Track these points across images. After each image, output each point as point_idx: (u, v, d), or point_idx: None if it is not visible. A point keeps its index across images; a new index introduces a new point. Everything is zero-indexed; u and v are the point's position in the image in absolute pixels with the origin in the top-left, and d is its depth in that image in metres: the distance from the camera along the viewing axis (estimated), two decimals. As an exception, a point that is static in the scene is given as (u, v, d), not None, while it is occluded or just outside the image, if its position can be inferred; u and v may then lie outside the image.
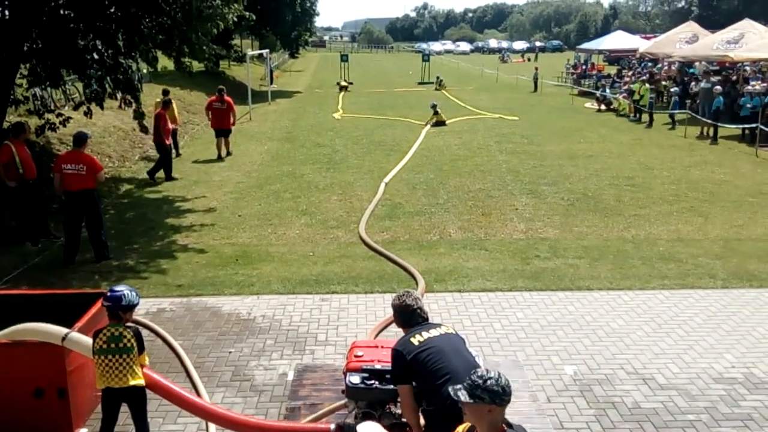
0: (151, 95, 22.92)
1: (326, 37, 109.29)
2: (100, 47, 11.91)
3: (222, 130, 18.04)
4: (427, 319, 4.50)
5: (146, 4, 11.56)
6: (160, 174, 15.26)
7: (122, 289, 5.03)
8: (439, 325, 4.43)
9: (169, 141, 15.43)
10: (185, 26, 11.96)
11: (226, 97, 18.28)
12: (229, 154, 18.19)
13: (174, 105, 17.73)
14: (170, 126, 15.49)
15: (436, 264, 9.64)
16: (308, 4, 44.25)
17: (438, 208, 12.67)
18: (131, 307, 5.05)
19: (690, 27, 30.45)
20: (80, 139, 9.91)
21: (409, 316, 4.47)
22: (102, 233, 10.00)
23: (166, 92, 17.94)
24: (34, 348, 5.46)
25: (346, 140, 20.63)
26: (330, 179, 15.16)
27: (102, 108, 13.38)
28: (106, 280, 8.82)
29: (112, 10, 11.48)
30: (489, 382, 3.16)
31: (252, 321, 7.84)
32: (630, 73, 33.04)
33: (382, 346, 4.98)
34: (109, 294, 4.99)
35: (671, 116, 22.93)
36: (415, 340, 4.25)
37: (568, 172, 15.72)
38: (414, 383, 4.20)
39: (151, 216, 12.31)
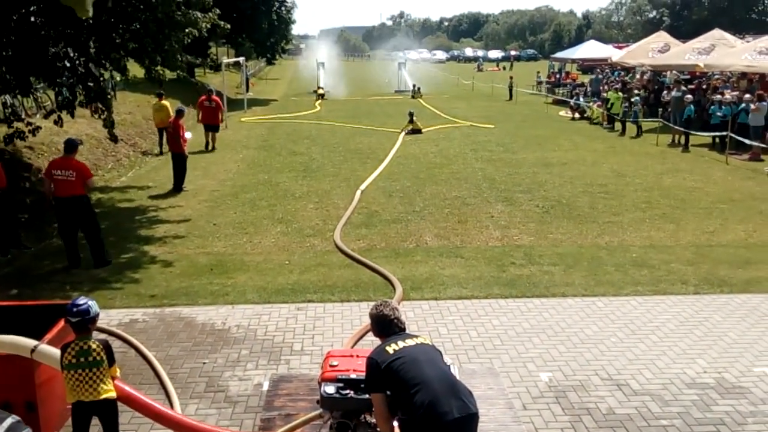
0: (124, 103, 22.80)
1: (303, 45, 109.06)
2: (71, 55, 11.72)
3: (210, 126, 20.66)
4: (404, 329, 4.49)
5: (117, 11, 11.43)
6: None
7: (85, 300, 4.95)
8: (415, 336, 4.42)
9: (186, 150, 15.21)
10: (157, 34, 11.84)
11: (214, 97, 20.90)
12: (214, 148, 20.51)
13: (167, 104, 19.54)
14: (186, 135, 15.38)
15: (413, 272, 9.63)
16: (284, 12, 44.17)
17: (414, 215, 12.68)
18: (96, 317, 4.99)
19: (661, 37, 30.90)
20: (71, 145, 9.94)
21: (385, 325, 4.46)
22: (100, 238, 10.01)
23: (160, 95, 19.55)
24: (2, 360, 5.34)
25: (322, 148, 20.60)
26: (306, 187, 15.11)
27: (72, 116, 13.18)
28: (77, 291, 8.66)
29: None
30: None
31: (227, 331, 7.77)
32: (603, 82, 33.39)
33: (357, 356, 4.96)
34: (74, 309, 4.88)
35: (636, 124, 23.20)
36: (390, 348, 4.24)
37: (542, 179, 15.84)
38: (388, 392, 4.18)
39: (125, 225, 12.16)
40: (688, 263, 10.00)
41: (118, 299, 8.63)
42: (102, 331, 7.25)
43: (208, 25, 12.69)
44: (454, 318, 8.10)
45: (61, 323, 5.67)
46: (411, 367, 4.10)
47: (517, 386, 6.51)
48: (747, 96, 20.45)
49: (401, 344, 4.26)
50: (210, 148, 20.44)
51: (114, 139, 13.56)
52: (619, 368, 6.87)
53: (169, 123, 15.80)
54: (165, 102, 19.67)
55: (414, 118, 23.94)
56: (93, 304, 4.96)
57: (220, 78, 30.99)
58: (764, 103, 18.85)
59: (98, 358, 4.84)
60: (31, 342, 5.28)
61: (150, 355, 6.99)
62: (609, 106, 25.11)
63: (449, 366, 4.37)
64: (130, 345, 7.25)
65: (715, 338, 7.55)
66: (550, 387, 6.50)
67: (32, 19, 11.02)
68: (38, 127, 13.58)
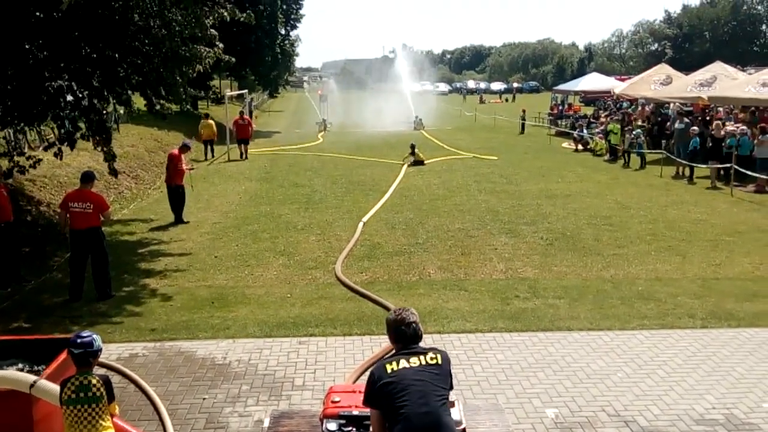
0: (127, 136, 22.95)
1: (306, 78, 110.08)
2: (75, 88, 11.76)
3: (243, 139, 26.13)
4: (417, 340, 4.31)
5: (122, 46, 11.50)
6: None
7: (89, 334, 4.91)
8: (424, 353, 4.24)
9: (183, 183, 15.23)
10: (162, 68, 11.90)
11: (246, 117, 26.94)
12: (246, 157, 25.69)
13: (212, 122, 26.55)
14: (185, 168, 15.46)
15: (416, 305, 9.49)
16: (288, 46, 44.65)
17: (417, 248, 12.61)
18: (99, 352, 4.93)
19: (663, 69, 31.08)
20: (87, 177, 9.99)
21: (399, 335, 4.31)
22: (107, 271, 9.99)
23: (206, 115, 27.56)
24: (0, 396, 5.28)
25: (324, 180, 20.63)
26: (308, 219, 15.08)
27: (72, 148, 13.18)
28: (77, 325, 8.58)
29: (88, 50, 11.37)
30: None
31: (227, 366, 7.67)
32: (605, 114, 33.58)
33: (359, 391, 4.85)
34: (78, 341, 4.83)
35: (640, 156, 23.20)
36: (390, 367, 4.13)
37: (546, 211, 15.79)
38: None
39: (125, 258, 12.08)
40: (694, 296, 9.89)
41: (118, 333, 8.54)
42: (102, 365, 7.16)
43: (212, 61, 12.73)
44: (457, 352, 7.98)
45: (62, 357, 5.62)
46: (400, 395, 4.01)
47: (522, 423, 6.40)
48: (743, 128, 20.47)
49: (403, 364, 4.14)
50: (244, 157, 25.67)
51: (114, 173, 13.51)
52: (626, 404, 6.75)
53: (170, 155, 15.83)
54: (210, 121, 26.23)
55: (416, 150, 24.02)
56: (97, 339, 4.90)
57: (223, 111, 31.18)
58: None
59: (98, 393, 4.76)
60: (29, 377, 5.22)
61: (150, 390, 6.89)
62: (609, 137, 25.20)
63: (443, 399, 4.17)
64: (130, 380, 7.16)
65: (723, 373, 7.43)
66: (556, 423, 6.39)
67: (31, 48, 11.03)
68: (39, 161, 13.58)
